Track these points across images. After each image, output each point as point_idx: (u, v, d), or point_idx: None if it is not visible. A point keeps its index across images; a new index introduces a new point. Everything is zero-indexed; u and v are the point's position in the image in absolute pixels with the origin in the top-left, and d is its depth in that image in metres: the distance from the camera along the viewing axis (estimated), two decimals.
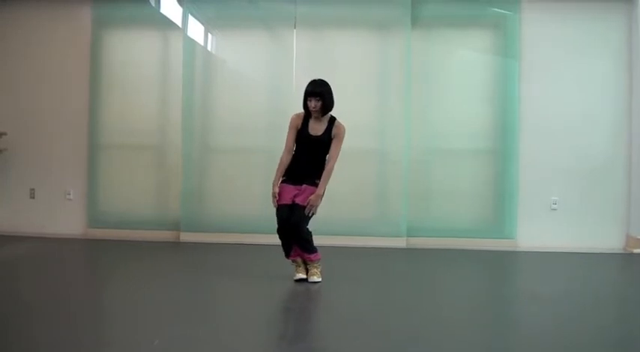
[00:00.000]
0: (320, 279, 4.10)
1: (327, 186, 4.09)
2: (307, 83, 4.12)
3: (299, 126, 4.13)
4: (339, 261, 4.61)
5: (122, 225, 6.10)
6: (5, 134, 6.27)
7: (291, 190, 4.08)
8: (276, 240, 5.58)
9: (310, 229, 4.13)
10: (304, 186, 4.07)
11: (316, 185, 4.08)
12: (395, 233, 5.87)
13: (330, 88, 4.10)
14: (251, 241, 5.81)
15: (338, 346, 2.88)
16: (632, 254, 5.66)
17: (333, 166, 4.10)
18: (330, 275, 4.19)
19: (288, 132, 4.18)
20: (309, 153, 4.13)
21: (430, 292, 4.10)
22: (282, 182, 4.13)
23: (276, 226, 4.11)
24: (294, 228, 4.04)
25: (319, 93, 4.05)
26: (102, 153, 6.26)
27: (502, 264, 5.32)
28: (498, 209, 5.98)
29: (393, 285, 4.24)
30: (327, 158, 4.12)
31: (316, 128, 4.11)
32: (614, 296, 4.12)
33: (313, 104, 4.05)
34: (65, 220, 6.24)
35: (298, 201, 4.04)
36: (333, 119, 4.15)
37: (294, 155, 4.18)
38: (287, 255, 4.19)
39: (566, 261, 5.37)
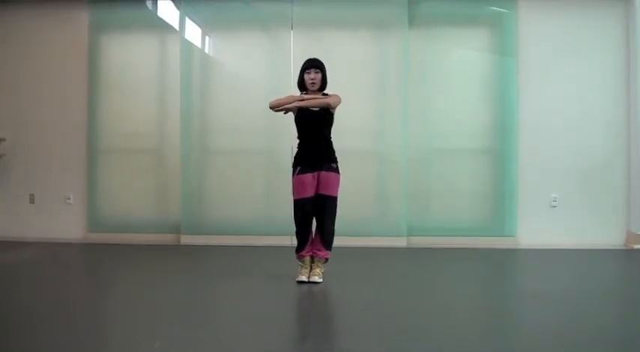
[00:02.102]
0: (321, 280, 4.10)
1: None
2: (303, 62, 4.19)
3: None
4: (340, 261, 4.60)
5: (122, 229, 6.11)
6: (4, 140, 6.27)
7: (309, 181, 4.07)
8: (276, 241, 5.64)
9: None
10: (322, 173, 4.07)
11: (332, 168, 4.09)
12: (395, 232, 5.87)
13: (325, 66, 4.17)
14: (252, 243, 5.82)
15: (341, 346, 2.88)
16: (632, 249, 5.67)
17: (329, 101, 4.06)
18: (331, 276, 4.19)
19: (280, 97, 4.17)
20: (313, 131, 4.11)
21: (431, 291, 4.09)
22: (299, 173, 4.10)
23: (296, 219, 4.12)
24: (324, 221, 4.08)
25: (318, 66, 4.13)
26: (101, 157, 6.26)
27: (503, 262, 5.31)
28: (498, 207, 5.98)
29: (395, 285, 4.24)
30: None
31: None
32: (615, 292, 4.11)
33: (312, 76, 4.10)
34: (65, 224, 6.25)
35: (323, 191, 4.06)
36: (324, 95, 4.18)
37: (300, 140, 4.18)
38: (300, 250, 4.17)
39: (567, 257, 5.36)
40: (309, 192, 4.08)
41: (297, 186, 4.11)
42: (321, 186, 4.07)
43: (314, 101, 4.08)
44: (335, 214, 4.15)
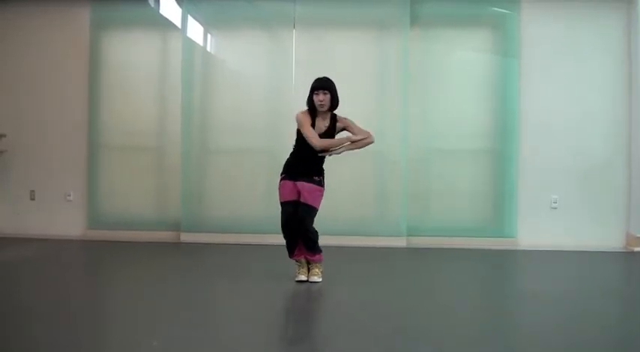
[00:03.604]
0: (320, 280, 4.10)
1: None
2: (313, 80, 4.11)
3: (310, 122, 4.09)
4: (339, 261, 4.60)
5: (122, 226, 6.11)
6: (5, 136, 6.27)
7: (291, 187, 4.08)
8: (276, 240, 5.58)
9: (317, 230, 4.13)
10: (300, 183, 4.06)
11: (314, 181, 4.06)
12: (395, 232, 5.87)
13: (335, 86, 4.11)
14: (251, 241, 5.82)
15: (340, 346, 2.88)
16: (632, 252, 5.66)
17: (372, 141, 4.10)
18: (331, 276, 4.19)
19: (307, 126, 4.05)
20: (312, 150, 4.08)
21: (431, 292, 4.09)
22: (282, 179, 4.13)
23: (281, 224, 4.11)
24: (300, 226, 4.04)
25: (328, 88, 4.06)
26: (102, 154, 6.26)
27: (503, 263, 5.32)
28: (498, 208, 5.98)
29: (394, 285, 4.23)
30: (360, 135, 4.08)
31: (321, 125, 4.10)
32: (615, 294, 4.11)
33: (321, 97, 4.03)
34: (65, 221, 6.25)
35: (302, 200, 4.05)
36: (334, 115, 4.14)
37: (295, 152, 4.16)
38: (291, 254, 4.18)
39: (567, 259, 5.36)
40: (292, 197, 4.09)
41: (280, 191, 4.14)
42: (301, 195, 4.07)
43: (363, 142, 4.06)
44: (312, 222, 4.09)
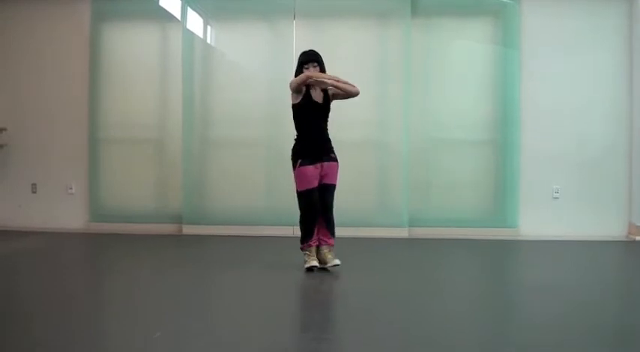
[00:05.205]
0: (340, 262, 4.09)
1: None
2: (300, 54, 4.19)
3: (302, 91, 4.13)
4: (342, 252, 4.59)
5: (124, 219, 6.11)
6: (5, 129, 6.27)
7: (313, 172, 4.08)
8: (278, 231, 5.64)
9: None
10: (325, 164, 4.10)
11: (333, 159, 4.13)
12: (397, 223, 5.87)
13: (322, 57, 4.18)
14: (253, 233, 5.82)
15: (344, 336, 2.88)
16: (634, 241, 5.66)
17: (352, 88, 4.08)
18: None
19: (296, 78, 4.12)
20: (315, 122, 4.12)
21: (434, 282, 4.08)
22: (301, 164, 4.10)
23: (305, 210, 4.11)
24: (328, 208, 4.12)
25: (316, 60, 4.13)
26: (103, 147, 6.26)
27: (505, 253, 5.32)
28: (500, 198, 5.97)
29: (397, 275, 4.23)
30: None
31: (316, 95, 4.13)
32: (617, 284, 4.11)
33: (312, 71, 4.09)
34: (67, 214, 6.25)
35: (327, 181, 4.10)
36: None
37: (299, 132, 4.17)
38: (307, 240, 4.13)
39: (569, 249, 5.36)
40: (314, 183, 4.09)
41: (301, 178, 4.10)
42: (325, 177, 4.11)
43: (347, 86, 4.07)
44: (333, 202, 4.19)
